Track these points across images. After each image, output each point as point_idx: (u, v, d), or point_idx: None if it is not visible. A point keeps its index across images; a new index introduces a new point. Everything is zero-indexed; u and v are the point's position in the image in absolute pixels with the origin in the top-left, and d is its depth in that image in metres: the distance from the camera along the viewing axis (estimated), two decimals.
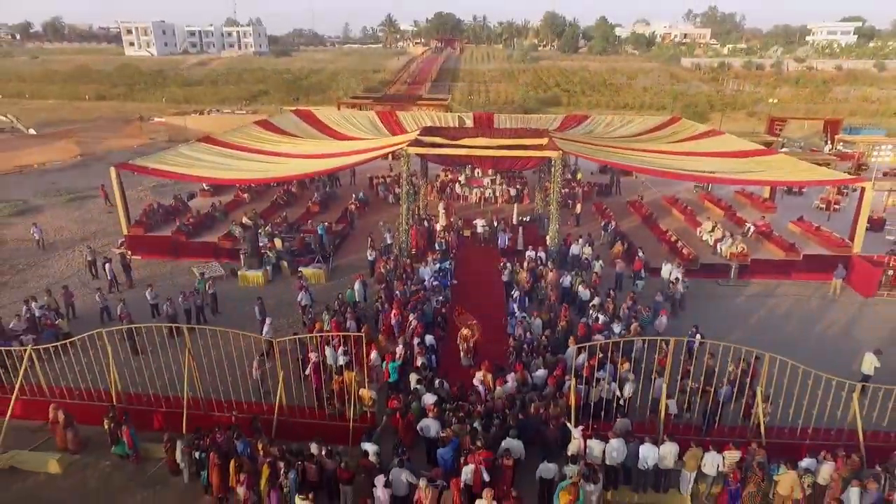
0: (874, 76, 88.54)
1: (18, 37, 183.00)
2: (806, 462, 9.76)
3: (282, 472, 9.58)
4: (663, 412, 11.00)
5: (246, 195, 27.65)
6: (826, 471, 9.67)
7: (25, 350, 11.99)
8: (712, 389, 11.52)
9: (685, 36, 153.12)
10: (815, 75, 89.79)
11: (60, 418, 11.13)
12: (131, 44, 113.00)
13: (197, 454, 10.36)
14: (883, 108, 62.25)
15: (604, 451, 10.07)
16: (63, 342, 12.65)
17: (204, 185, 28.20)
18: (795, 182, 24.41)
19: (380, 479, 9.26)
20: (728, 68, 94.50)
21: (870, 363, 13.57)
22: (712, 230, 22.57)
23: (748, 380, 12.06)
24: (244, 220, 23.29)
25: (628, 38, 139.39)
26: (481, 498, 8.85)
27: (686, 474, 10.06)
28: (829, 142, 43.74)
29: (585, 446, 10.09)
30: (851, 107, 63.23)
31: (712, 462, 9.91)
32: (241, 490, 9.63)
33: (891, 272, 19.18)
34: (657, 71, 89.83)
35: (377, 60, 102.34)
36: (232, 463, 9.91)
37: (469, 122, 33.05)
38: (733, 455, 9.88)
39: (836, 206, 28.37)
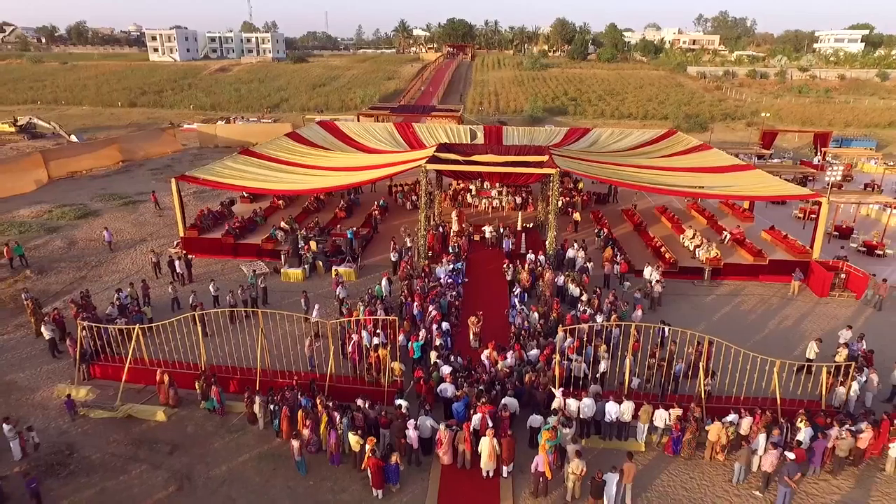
0: (876, 85, 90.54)
1: (44, 40, 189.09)
2: (730, 417, 12.91)
3: (337, 419, 12.91)
4: (626, 383, 14.23)
5: (281, 202, 31.08)
6: (746, 423, 12.81)
7: (135, 329, 15.44)
8: (666, 365, 14.70)
9: (694, 42, 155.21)
10: (819, 84, 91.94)
11: (165, 380, 14.55)
12: (155, 49, 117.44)
13: (271, 407, 13.74)
14: (878, 118, 64.49)
15: (578, 408, 13.29)
16: (160, 323, 16.10)
17: (244, 192, 31.65)
18: (759, 197, 27.31)
19: (411, 423, 12.58)
20: (733, 77, 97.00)
21: (811, 350, 16.65)
22: (693, 237, 25.67)
23: (702, 360, 15.22)
24: (282, 224, 26.75)
25: (637, 44, 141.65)
26: (485, 436, 12.12)
27: (640, 426, 13.25)
28: (818, 153, 46.50)
29: (565, 404, 13.31)
30: (847, 117, 65.53)
31: (660, 417, 13.10)
32: (305, 432, 12.95)
33: (843, 275, 22.23)
34: (663, 80, 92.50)
35: (391, 67, 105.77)
36: (300, 413, 13.26)
37: (480, 136, 36.31)
38: (676, 412, 13.06)
39: (814, 215, 31.28)
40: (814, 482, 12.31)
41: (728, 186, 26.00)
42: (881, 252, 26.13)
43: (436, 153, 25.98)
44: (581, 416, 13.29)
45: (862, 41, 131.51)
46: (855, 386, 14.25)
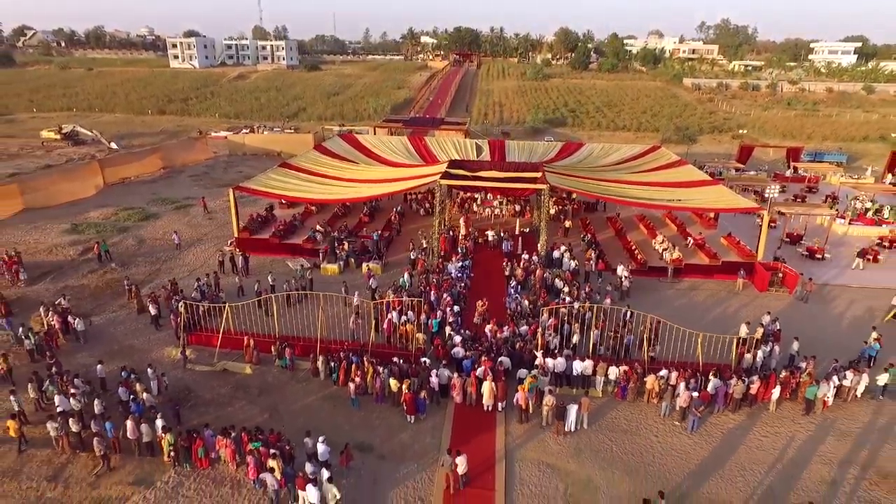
0: (862, 98, 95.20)
1: (63, 44, 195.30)
2: (662, 372, 17.96)
3: (381, 370, 18.02)
4: (591, 348, 19.34)
5: (313, 207, 36.21)
6: (673, 376, 17.81)
7: (225, 307, 20.63)
8: (620, 337, 19.82)
9: (693, 52, 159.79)
10: (808, 97, 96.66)
11: (251, 344, 19.71)
12: (175, 57, 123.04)
13: (331, 363, 18.88)
14: (854, 132, 69.25)
15: (554, 365, 18.37)
16: (239, 303, 21.27)
17: (282, 200, 36.74)
18: (713, 209, 32.39)
19: (433, 373, 17.69)
20: (726, 88, 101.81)
21: (742, 330, 21.62)
22: (662, 242, 30.71)
23: (647, 333, 20.26)
24: (317, 227, 31.93)
25: (638, 53, 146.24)
26: (486, 381, 17.20)
27: (599, 378, 18.33)
28: (789, 167, 51.46)
29: (544, 362, 18.39)
30: (826, 131, 70.30)
31: (613, 372, 18.17)
32: (357, 380, 18.04)
33: (780, 275, 27.24)
34: (659, 91, 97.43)
35: (400, 76, 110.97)
36: (353, 366, 18.38)
37: (486, 151, 41.39)
38: (623, 368, 18.12)
39: (773, 224, 36.24)
40: (718, 416, 17.37)
41: (693, 199, 31.06)
42: (821, 256, 31.09)
43: (448, 169, 31.12)
44: (555, 371, 18.37)
45: (855, 53, 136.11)
46: (759, 354, 19.29)
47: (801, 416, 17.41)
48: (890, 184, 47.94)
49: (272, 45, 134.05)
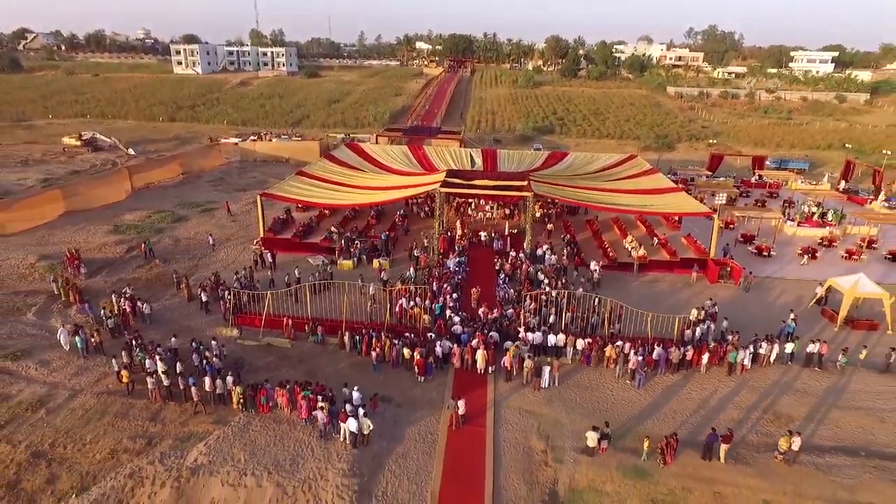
0: (833, 107, 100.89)
1: (63, 47, 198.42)
2: (619, 343, 22.77)
3: (396, 342, 22.72)
4: (563, 326, 24.15)
5: (327, 211, 40.82)
6: (627, 346, 22.62)
7: (267, 294, 25.28)
8: (587, 317, 24.66)
9: (679, 59, 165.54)
10: (783, 105, 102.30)
11: (290, 323, 24.36)
12: (179, 63, 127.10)
13: (356, 338, 23.57)
14: (820, 141, 74.63)
15: (533, 339, 23.14)
16: (277, 291, 25.92)
17: (298, 204, 41.27)
18: (673, 213, 37.30)
19: (438, 344, 22.43)
20: (707, 97, 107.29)
21: (693, 313, 26.46)
22: (631, 241, 35.60)
23: (614, 315, 25.04)
24: (332, 228, 36.56)
25: (626, 60, 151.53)
26: (479, 350, 21.94)
27: (569, 349, 23.13)
28: (754, 174, 56.65)
29: (525, 336, 23.16)
30: (794, 139, 75.68)
31: (580, 343, 22.97)
32: (377, 350, 22.69)
33: (728, 269, 32.18)
34: (643, 99, 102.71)
35: (397, 83, 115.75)
36: (373, 340, 23.06)
37: (479, 161, 46.13)
38: (588, 340, 22.93)
39: (732, 226, 41.25)
40: (660, 377, 22.22)
41: (659, 205, 36.02)
42: (767, 254, 36.09)
43: (446, 178, 35.88)
44: (534, 343, 23.15)
45: (832, 62, 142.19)
46: (698, 330, 24.16)
47: (725, 376, 22.31)
48: (843, 190, 53.21)
49: (272, 52, 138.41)
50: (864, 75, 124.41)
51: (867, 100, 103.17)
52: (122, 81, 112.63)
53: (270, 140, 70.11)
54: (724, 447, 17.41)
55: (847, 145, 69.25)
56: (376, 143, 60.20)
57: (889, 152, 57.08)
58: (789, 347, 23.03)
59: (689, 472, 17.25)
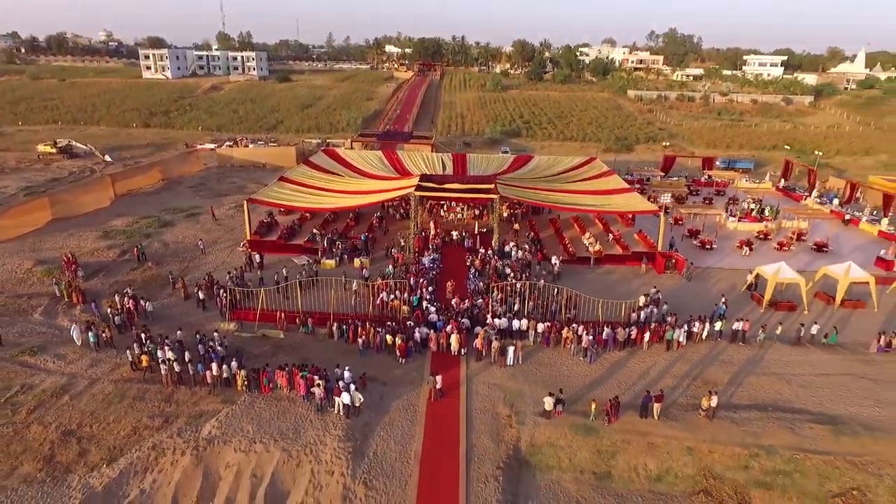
0: (781, 109, 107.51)
1: (24, 50, 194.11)
2: (574, 325, 26.24)
3: (380, 330, 25.71)
4: (527, 311, 27.53)
5: (308, 214, 43.42)
6: (581, 328, 26.09)
7: (260, 291, 27.93)
8: (546, 305, 28.10)
9: (640, 62, 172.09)
10: (735, 108, 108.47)
11: (282, 317, 27.09)
12: (148, 67, 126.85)
13: (343, 327, 26.48)
14: (766, 142, 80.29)
15: (499, 324, 26.43)
16: (267, 288, 28.59)
17: (281, 208, 43.76)
18: (625, 211, 41.20)
19: (416, 331, 25.52)
20: (665, 100, 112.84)
21: (641, 299, 30.12)
22: (589, 238, 39.29)
23: (571, 303, 28.51)
24: (314, 230, 39.24)
25: (590, 63, 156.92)
26: (453, 334, 25.11)
27: (531, 332, 26.49)
28: (704, 174, 61.37)
29: (493, 321, 26.42)
30: (743, 140, 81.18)
31: (540, 327, 26.36)
32: (363, 338, 25.62)
33: (673, 261, 36.10)
34: (605, 102, 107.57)
35: (369, 88, 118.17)
36: (359, 329, 26.00)
37: (449, 164, 49.33)
38: (547, 324, 26.33)
39: (681, 222, 45.44)
40: (608, 353, 25.78)
41: (612, 204, 39.83)
42: (709, 247, 40.23)
43: (420, 182, 38.95)
44: (500, 328, 26.43)
45: (782, 66, 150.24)
46: (643, 313, 27.81)
47: (664, 352, 26.01)
48: (782, 188, 58.26)
49: (243, 56, 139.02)
50: (811, 78, 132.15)
51: (811, 102, 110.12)
52: (90, 87, 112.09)
53: (247, 146, 72.08)
54: (657, 406, 20.97)
55: (786, 146, 74.81)
56: (351, 148, 62.85)
57: (821, 153, 62.48)
58: (718, 326, 26.88)
59: (628, 429, 20.75)
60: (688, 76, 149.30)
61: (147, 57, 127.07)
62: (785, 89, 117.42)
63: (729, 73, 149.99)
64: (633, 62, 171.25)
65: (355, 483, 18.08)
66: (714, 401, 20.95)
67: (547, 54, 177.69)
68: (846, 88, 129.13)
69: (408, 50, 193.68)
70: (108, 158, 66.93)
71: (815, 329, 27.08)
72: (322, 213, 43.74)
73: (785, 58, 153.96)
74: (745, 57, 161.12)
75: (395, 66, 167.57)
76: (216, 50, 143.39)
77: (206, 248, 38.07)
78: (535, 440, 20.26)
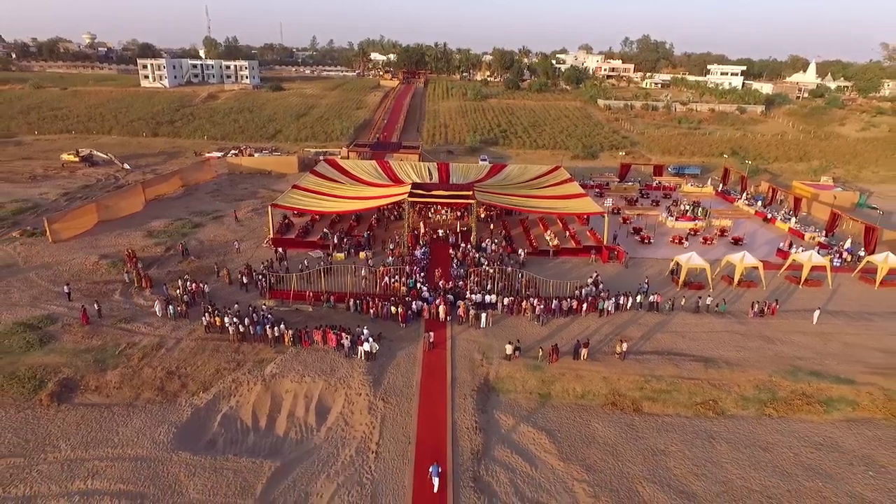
0: (735, 118, 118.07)
1: (15, 56, 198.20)
2: (532, 299, 35.12)
3: (386, 303, 34.33)
4: (496, 289, 36.41)
5: (317, 216, 51.75)
6: (536, 301, 34.98)
7: (292, 276, 36.36)
8: (511, 284, 37.06)
9: (612, 70, 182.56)
10: (695, 116, 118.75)
11: (310, 295, 35.57)
12: (146, 77, 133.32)
13: (357, 302, 35.07)
14: (715, 149, 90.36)
15: (475, 298, 35.23)
16: (294, 273, 37.07)
17: (294, 211, 51.95)
18: (577, 213, 50.33)
19: (413, 304, 34.22)
20: (631, 109, 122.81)
21: (588, 281, 39.14)
22: (550, 235, 48.35)
23: (532, 283, 37.34)
24: (324, 230, 47.68)
25: (566, 71, 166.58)
26: (441, 307, 33.82)
27: (499, 304, 35.33)
28: (654, 179, 71.01)
29: (471, 297, 35.20)
30: (695, 147, 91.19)
31: (506, 300, 35.23)
32: (373, 310, 34.20)
33: (615, 253, 45.27)
34: (577, 111, 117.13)
35: (357, 96, 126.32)
36: (369, 303, 34.58)
37: (435, 172, 58.08)
38: (511, 299, 35.20)
39: (629, 221, 54.78)
40: (555, 319, 34.74)
41: (569, 207, 48.98)
42: (648, 241, 49.55)
43: (412, 190, 47.65)
44: (476, 301, 35.23)
45: (741, 74, 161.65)
46: (584, 290, 36.82)
47: (597, 318, 35.05)
48: (721, 192, 68.10)
49: (236, 66, 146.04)
50: (767, 87, 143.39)
51: (762, 111, 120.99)
52: (93, 96, 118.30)
53: (251, 155, 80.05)
54: (584, 350, 29.94)
55: (724, 155, 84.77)
56: (348, 157, 71.28)
57: (750, 162, 72.58)
58: (639, 298, 36.06)
59: (564, 366, 29.66)
60: (655, 83, 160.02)
61: (145, 66, 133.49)
62: (740, 99, 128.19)
63: (693, 80, 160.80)
64: (605, 70, 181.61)
65: (376, 399, 26.73)
66: (625, 346, 30.03)
67: (525, 61, 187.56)
68: (798, 97, 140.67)
69: (392, 56, 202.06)
70: (126, 167, 74.24)
71: (709, 300, 36.41)
72: (328, 215, 52.15)
73: (744, 67, 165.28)
74: (708, 66, 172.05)
75: (381, 73, 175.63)
76: (209, 59, 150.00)
77: (231, 244, 46.26)
78: (499, 374, 29.07)
